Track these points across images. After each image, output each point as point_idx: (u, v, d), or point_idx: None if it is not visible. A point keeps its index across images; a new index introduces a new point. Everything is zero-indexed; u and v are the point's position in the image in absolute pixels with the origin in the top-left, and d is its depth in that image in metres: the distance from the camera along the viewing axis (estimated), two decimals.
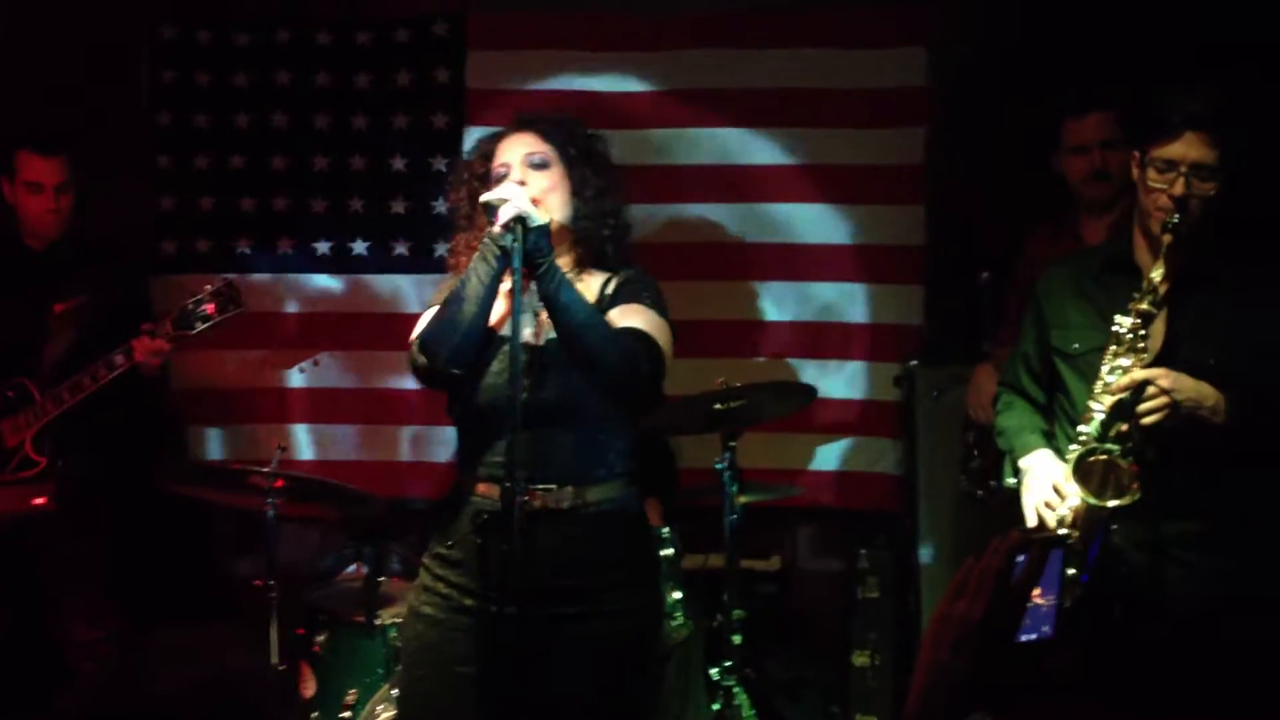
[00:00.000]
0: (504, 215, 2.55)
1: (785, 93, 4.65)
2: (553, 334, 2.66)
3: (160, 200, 4.82)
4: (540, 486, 2.62)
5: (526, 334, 2.66)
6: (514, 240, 2.53)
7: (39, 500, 3.82)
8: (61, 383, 3.83)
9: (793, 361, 4.69)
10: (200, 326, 3.73)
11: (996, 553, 1.49)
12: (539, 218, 2.57)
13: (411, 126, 4.69)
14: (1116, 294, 2.88)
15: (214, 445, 4.81)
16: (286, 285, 4.81)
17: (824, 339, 4.70)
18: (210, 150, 4.81)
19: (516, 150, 2.75)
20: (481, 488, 2.68)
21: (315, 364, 4.79)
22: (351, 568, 4.13)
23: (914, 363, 4.41)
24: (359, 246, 4.76)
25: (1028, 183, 4.07)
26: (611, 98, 4.70)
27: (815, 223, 4.67)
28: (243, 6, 4.79)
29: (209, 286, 3.74)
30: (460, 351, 2.65)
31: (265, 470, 3.61)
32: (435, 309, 2.74)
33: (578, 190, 2.74)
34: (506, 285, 2.65)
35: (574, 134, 2.82)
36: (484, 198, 2.60)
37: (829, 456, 4.73)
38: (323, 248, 4.79)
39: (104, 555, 4.03)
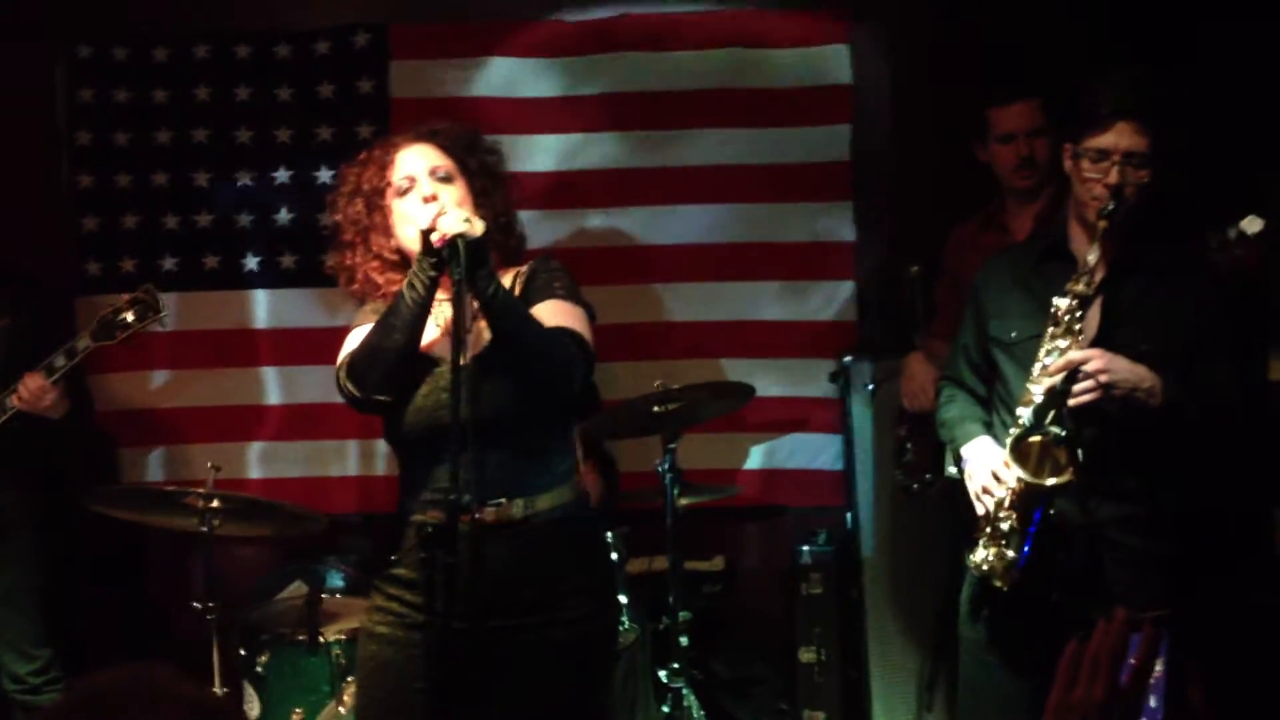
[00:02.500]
0: (446, 230, 2.51)
1: (711, 93, 4.67)
2: (478, 351, 2.64)
3: (82, 221, 4.73)
4: (491, 502, 2.60)
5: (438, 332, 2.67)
6: (457, 256, 2.50)
7: None
8: None
9: (729, 361, 4.70)
10: (121, 335, 3.68)
11: (1108, 634, 1.45)
12: (478, 229, 2.55)
13: (336, 138, 4.65)
14: (1054, 283, 2.93)
15: (146, 467, 4.73)
16: (214, 302, 4.74)
17: (759, 338, 4.72)
18: (131, 168, 4.73)
19: (418, 163, 2.71)
20: (428, 512, 2.65)
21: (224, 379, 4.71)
22: (292, 586, 4.09)
23: (848, 358, 4.44)
24: (287, 260, 4.71)
25: (954, 175, 4.11)
26: (536, 104, 4.69)
27: (745, 222, 4.70)
28: (160, 22, 4.71)
29: (127, 295, 3.68)
30: (390, 379, 2.62)
31: (200, 490, 3.56)
32: (359, 331, 2.71)
33: (481, 202, 2.71)
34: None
35: (472, 145, 2.80)
36: (422, 224, 2.56)
37: (769, 455, 4.76)
38: (250, 263, 4.74)
39: (35, 585, 3.95)
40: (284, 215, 4.71)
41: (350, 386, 2.65)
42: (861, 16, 4.62)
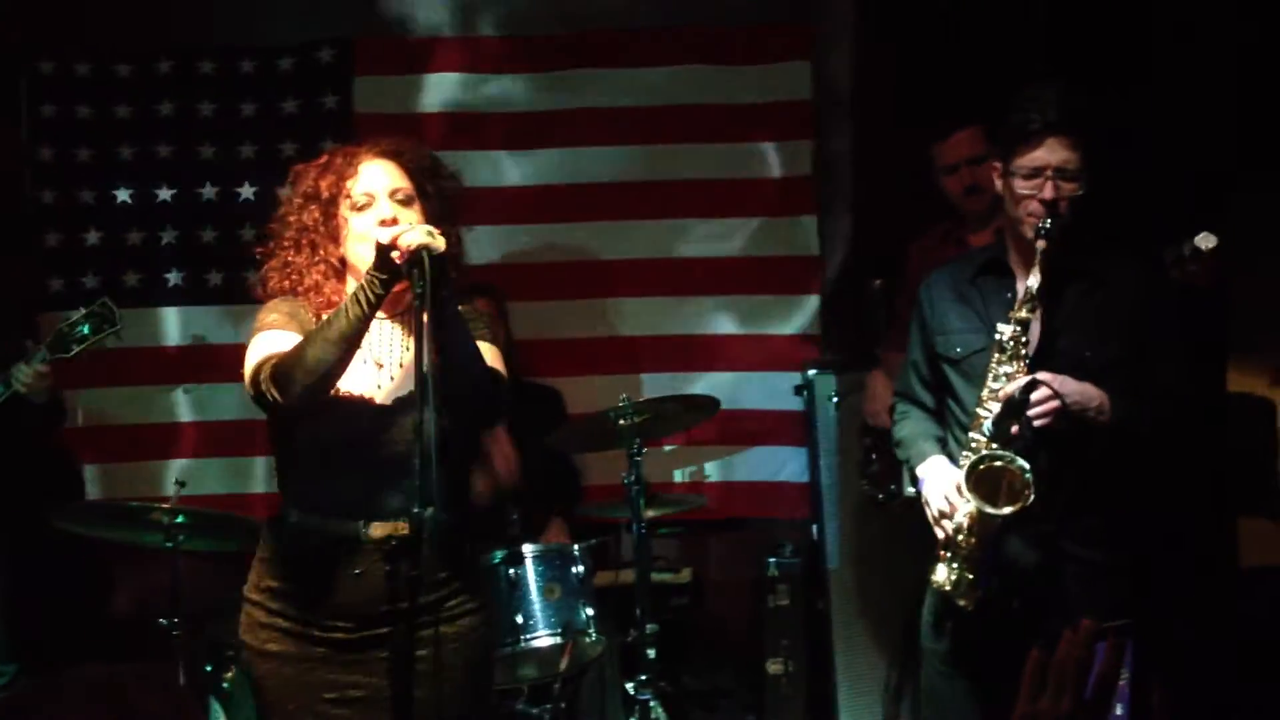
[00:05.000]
0: (408, 243, 2.50)
1: (674, 110, 4.71)
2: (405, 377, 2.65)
3: (45, 236, 4.71)
4: (403, 519, 2.58)
5: (379, 375, 2.68)
6: (421, 269, 2.49)
7: None
8: None
9: (693, 375, 4.73)
10: (76, 349, 3.66)
11: (1074, 644, 1.45)
12: (441, 244, 2.54)
13: (300, 154, 4.62)
14: (991, 296, 2.97)
15: (110, 483, 4.70)
16: (177, 318, 4.73)
17: (723, 352, 4.75)
18: (94, 184, 4.71)
19: (379, 181, 2.70)
20: (326, 523, 2.64)
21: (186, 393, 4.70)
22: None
23: (813, 371, 4.47)
24: (252, 276, 4.68)
25: (917, 189, 4.15)
26: (498, 119, 4.72)
27: (709, 238, 4.73)
28: (122, 38, 4.70)
29: (83, 308, 3.67)
30: (318, 391, 2.59)
31: (165, 506, 3.55)
32: (272, 335, 2.68)
33: (435, 225, 2.71)
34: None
35: (434, 170, 2.79)
36: (382, 239, 2.56)
37: (735, 467, 4.78)
38: (214, 279, 4.73)
39: (2, 599, 3.92)
40: (248, 231, 4.70)
41: (273, 391, 2.60)
42: (822, 32, 4.66)
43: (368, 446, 2.63)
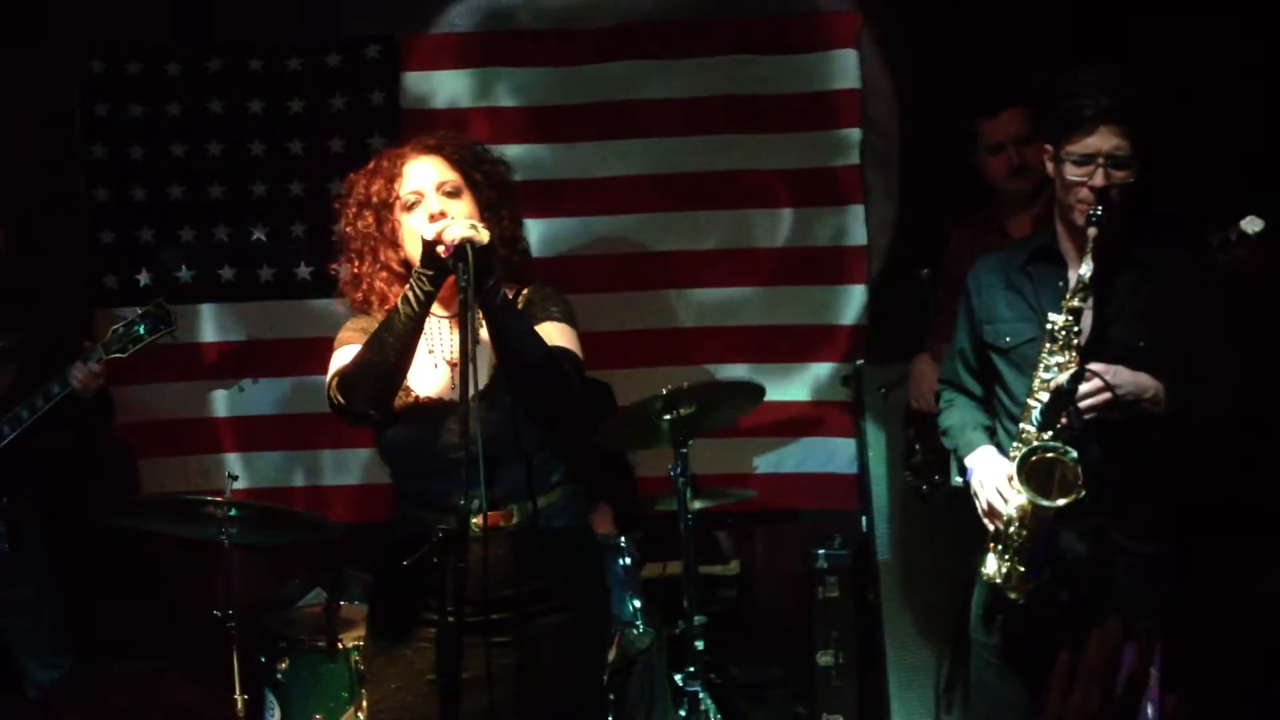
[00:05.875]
0: (451, 238, 2.53)
1: (721, 100, 4.69)
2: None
3: (99, 234, 4.78)
4: (495, 509, 2.64)
5: (453, 375, 2.70)
6: (464, 262, 2.51)
7: None
8: (2, 417, 3.79)
9: (741, 366, 4.71)
10: (133, 349, 3.72)
11: (1102, 644, 1.44)
12: (484, 238, 2.56)
13: (348, 150, 4.68)
14: (1043, 284, 2.94)
15: (163, 478, 4.76)
16: (230, 313, 4.78)
17: (771, 343, 4.73)
18: (147, 181, 4.77)
19: (426, 177, 2.73)
20: (427, 516, 2.69)
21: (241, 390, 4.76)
22: (311, 593, 4.12)
23: (860, 362, 4.45)
24: (302, 271, 4.75)
25: (965, 177, 4.12)
26: (547, 112, 4.72)
27: (756, 227, 4.71)
28: (172, 37, 4.76)
29: (139, 309, 3.72)
30: (382, 395, 2.65)
31: (219, 500, 3.59)
32: (349, 349, 2.72)
33: (489, 215, 2.72)
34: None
35: (479, 158, 2.81)
36: (427, 235, 2.58)
37: (783, 459, 4.76)
38: (265, 274, 4.77)
39: (57, 594, 3.99)
40: (298, 227, 4.74)
41: (340, 399, 2.67)
42: (869, 21, 4.63)
43: (449, 446, 2.66)
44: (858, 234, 4.69)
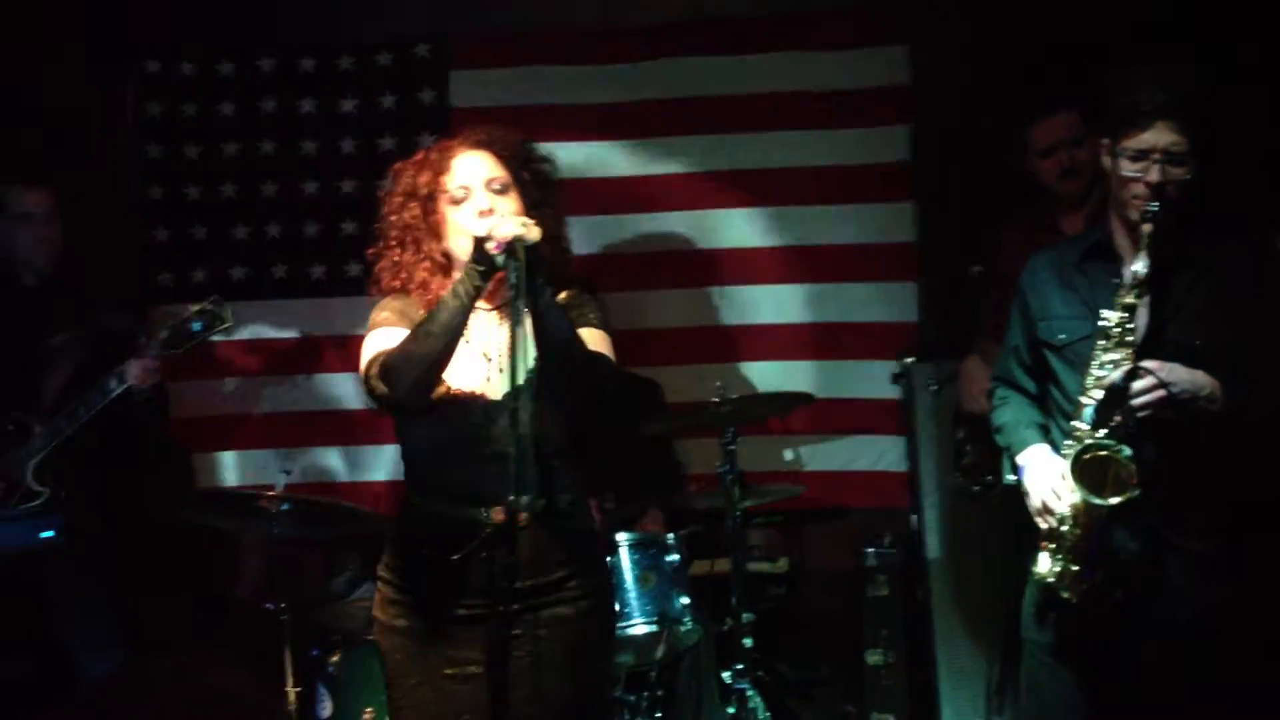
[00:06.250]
0: (503, 235, 2.54)
1: (771, 96, 4.68)
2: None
3: (154, 232, 4.84)
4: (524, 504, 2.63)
5: (489, 369, 2.70)
6: (514, 259, 2.52)
7: (47, 534, 3.82)
8: (59, 413, 3.85)
9: (790, 364, 4.70)
10: (188, 344, 3.76)
11: None
12: (535, 235, 2.57)
13: (399, 148, 4.70)
14: (1098, 281, 2.90)
15: (216, 473, 4.82)
16: (282, 310, 4.83)
17: (821, 340, 4.72)
18: (200, 180, 4.83)
19: (475, 173, 2.74)
20: (449, 509, 2.70)
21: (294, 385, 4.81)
22: (363, 587, 4.15)
23: (911, 359, 4.42)
24: (353, 269, 4.78)
25: (1015, 173, 4.09)
26: (597, 110, 4.73)
27: (804, 224, 4.70)
28: (225, 37, 4.81)
29: (194, 306, 3.77)
30: (424, 385, 2.64)
31: (271, 494, 3.62)
32: (384, 332, 2.73)
33: (534, 214, 2.73)
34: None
35: (527, 155, 2.82)
36: (478, 231, 2.60)
37: (833, 456, 4.75)
38: (317, 272, 4.82)
39: (111, 586, 4.04)
40: (349, 225, 4.78)
41: (382, 387, 2.67)
42: (917, 16, 4.60)
43: (482, 439, 2.67)
44: (908, 231, 4.66)
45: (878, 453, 4.69)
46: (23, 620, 3.91)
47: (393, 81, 4.79)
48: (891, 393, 4.58)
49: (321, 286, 4.82)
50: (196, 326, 3.79)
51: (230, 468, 4.81)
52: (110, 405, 3.82)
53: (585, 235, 4.63)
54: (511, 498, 2.48)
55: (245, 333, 4.69)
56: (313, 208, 4.82)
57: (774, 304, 4.74)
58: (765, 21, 4.68)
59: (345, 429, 4.80)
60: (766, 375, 4.67)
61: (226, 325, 3.80)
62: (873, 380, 4.67)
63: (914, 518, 4.41)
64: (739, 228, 4.73)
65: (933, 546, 4.31)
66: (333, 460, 4.82)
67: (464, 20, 4.79)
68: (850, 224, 4.69)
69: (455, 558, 2.65)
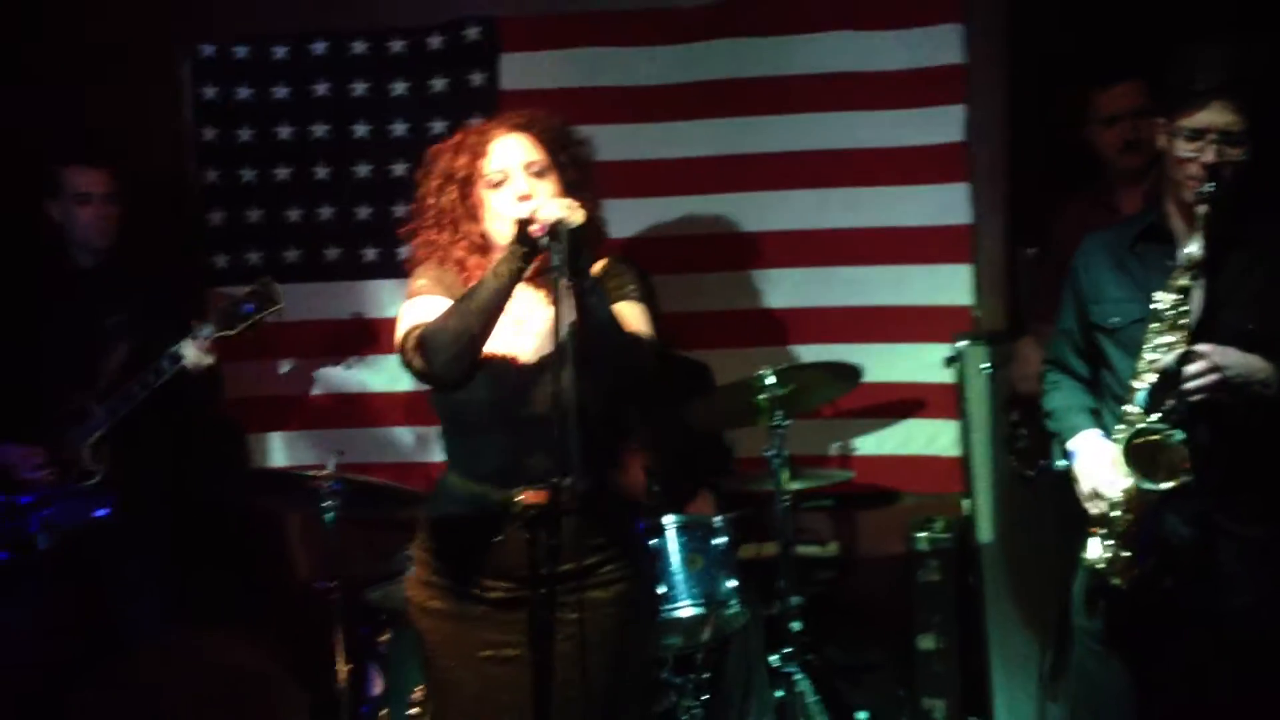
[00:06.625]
0: (545, 217, 2.54)
1: (824, 77, 4.63)
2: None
3: (209, 215, 4.90)
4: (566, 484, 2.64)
5: (523, 336, 2.71)
6: (559, 242, 2.52)
7: (102, 512, 3.88)
8: (115, 394, 3.90)
9: (842, 347, 4.65)
10: (240, 326, 3.81)
11: None
12: (578, 218, 2.57)
13: (449, 131, 4.68)
14: (1151, 264, 2.86)
15: (270, 453, 4.87)
16: (335, 292, 4.86)
17: (873, 323, 4.67)
18: (255, 163, 4.88)
19: (514, 156, 2.74)
20: (482, 487, 2.72)
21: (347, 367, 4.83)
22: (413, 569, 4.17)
23: (965, 342, 4.38)
24: (405, 251, 4.79)
25: (1072, 154, 4.03)
26: (648, 92, 4.71)
27: (857, 206, 4.65)
28: (278, 21, 4.85)
29: (246, 287, 3.81)
30: (462, 361, 2.65)
31: (324, 474, 3.66)
32: (421, 301, 2.73)
33: (572, 196, 2.72)
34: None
35: (565, 138, 2.82)
36: (521, 214, 2.60)
37: (885, 440, 4.71)
38: (370, 254, 4.85)
39: (165, 566, 4.09)
40: (400, 207, 4.80)
41: (418, 360, 2.67)
42: None
43: (513, 406, 2.68)
44: (962, 212, 4.60)
45: (929, 437, 4.65)
46: (76, 600, 3.99)
47: (443, 64, 4.79)
48: (945, 376, 4.54)
49: (373, 268, 4.85)
50: (248, 308, 3.83)
51: (282, 448, 4.86)
52: (165, 386, 3.87)
53: (635, 218, 4.62)
54: (555, 480, 2.48)
55: (298, 314, 4.72)
56: (365, 190, 4.85)
57: (826, 287, 4.70)
58: (817, 1, 4.63)
59: (398, 410, 4.83)
60: (818, 358, 4.63)
61: (278, 307, 3.84)
62: (926, 363, 4.61)
63: (966, 502, 4.37)
64: (791, 210, 4.69)
65: (985, 531, 4.28)
66: (385, 441, 4.85)
67: (514, 3, 4.79)
68: (904, 206, 4.63)
69: (498, 539, 2.66)
